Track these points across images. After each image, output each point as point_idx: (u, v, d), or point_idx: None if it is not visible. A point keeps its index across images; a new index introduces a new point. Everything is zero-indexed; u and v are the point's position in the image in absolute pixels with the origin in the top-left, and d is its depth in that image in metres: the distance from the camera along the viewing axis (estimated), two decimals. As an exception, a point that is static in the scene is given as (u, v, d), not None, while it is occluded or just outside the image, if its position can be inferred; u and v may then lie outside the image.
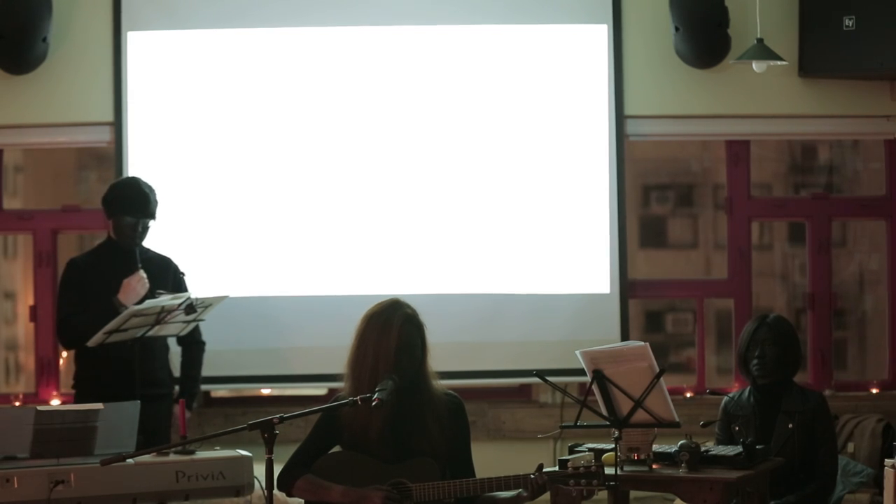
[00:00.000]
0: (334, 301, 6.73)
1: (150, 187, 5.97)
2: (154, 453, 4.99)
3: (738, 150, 7.18)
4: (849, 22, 6.68)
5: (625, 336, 6.85)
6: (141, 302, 5.76)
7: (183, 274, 6.08)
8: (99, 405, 5.06)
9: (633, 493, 5.49)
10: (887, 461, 5.29)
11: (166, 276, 6.01)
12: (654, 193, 8.40)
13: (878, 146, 7.34)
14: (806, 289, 7.31)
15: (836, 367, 7.39)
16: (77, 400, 5.82)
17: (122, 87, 6.79)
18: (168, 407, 5.98)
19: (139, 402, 5.64)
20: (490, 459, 5.27)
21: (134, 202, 5.88)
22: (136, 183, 5.97)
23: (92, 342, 5.62)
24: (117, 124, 6.81)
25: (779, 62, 6.66)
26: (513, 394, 7.19)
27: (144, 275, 5.86)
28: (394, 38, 6.88)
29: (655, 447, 4.92)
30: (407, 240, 6.85)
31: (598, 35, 6.92)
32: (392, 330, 4.43)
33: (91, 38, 6.82)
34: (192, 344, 6.10)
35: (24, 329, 7.39)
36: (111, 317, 5.67)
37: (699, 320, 7.23)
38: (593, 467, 4.29)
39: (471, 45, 6.89)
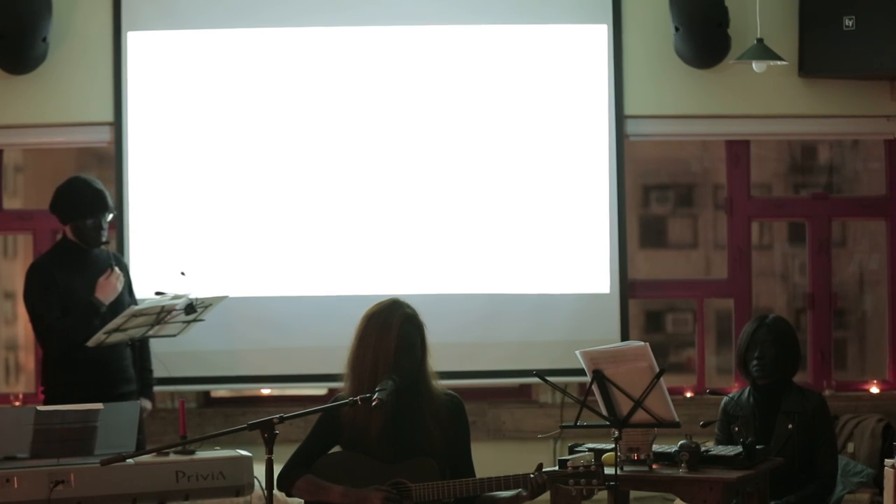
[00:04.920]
0: (334, 301, 6.73)
1: (98, 182, 5.88)
2: (154, 453, 4.98)
3: (738, 150, 7.18)
4: (849, 22, 6.68)
5: (625, 336, 6.85)
6: (123, 299, 5.78)
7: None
8: (99, 405, 5.05)
9: (633, 493, 5.49)
10: (887, 461, 5.29)
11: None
12: (654, 193, 8.40)
13: (878, 146, 7.34)
14: (806, 289, 7.31)
15: (836, 367, 7.39)
16: (47, 403, 5.63)
17: (122, 87, 6.79)
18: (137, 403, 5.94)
19: (139, 402, 5.66)
20: (490, 459, 5.28)
21: (92, 203, 5.77)
22: (84, 183, 5.85)
23: (92, 342, 5.61)
24: (117, 124, 6.81)
25: (779, 62, 6.66)
26: (513, 394, 7.20)
27: (120, 272, 5.85)
28: (394, 38, 6.88)
29: (655, 447, 4.92)
30: (406, 240, 6.85)
31: (598, 35, 6.93)
32: (392, 330, 4.42)
33: (91, 38, 6.82)
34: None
35: (24, 329, 7.39)
36: (101, 318, 5.67)
37: (699, 320, 7.23)
38: (593, 467, 4.29)
39: (471, 45, 6.89)
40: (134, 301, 5.97)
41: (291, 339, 6.79)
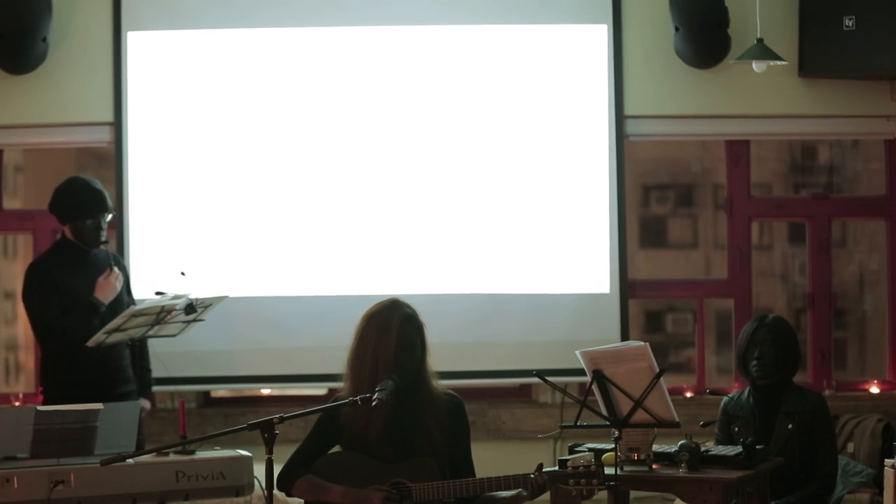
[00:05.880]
0: (334, 301, 6.73)
1: (97, 182, 5.87)
2: (154, 453, 4.98)
3: (738, 150, 7.18)
4: (849, 22, 6.68)
5: (625, 336, 6.85)
6: (122, 299, 5.78)
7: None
8: (99, 405, 5.05)
9: (633, 493, 5.49)
10: (887, 461, 5.29)
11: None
12: (654, 193, 8.40)
13: (878, 146, 7.34)
14: (806, 289, 7.31)
15: (836, 367, 7.39)
16: (46, 403, 5.62)
17: (122, 87, 6.79)
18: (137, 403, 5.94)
19: (139, 402, 5.66)
20: (490, 459, 5.28)
21: (91, 203, 5.77)
22: (84, 183, 5.84)
23: (92, 342, 5.61)
24: (117, 124, 6.81)
25: (779, 62, 6.66)
26: (513, 394, 7.19)
27: (119, 272, 5.85)
28: (394, 38, 6.88)
29: (655, 447, 4.92)
30: (406, 240, 6.85)
31: (598, 35, 6.93)
32: (392, 330, 4.43)
33: (91, 38, 6.82)
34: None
35: (24, 329, 7.39)
36: (100, 317, 5.67)
37: (699, 320, 7.23)
38: (593, 467, 4.29)
39: (471, 45, 6.89)
40: (132, 301, 5.98)
41: (291, 339, 6.79)
